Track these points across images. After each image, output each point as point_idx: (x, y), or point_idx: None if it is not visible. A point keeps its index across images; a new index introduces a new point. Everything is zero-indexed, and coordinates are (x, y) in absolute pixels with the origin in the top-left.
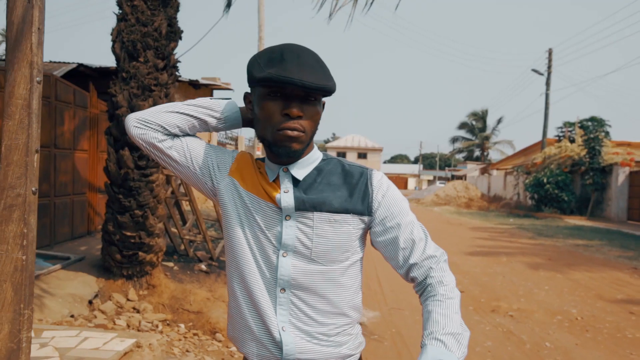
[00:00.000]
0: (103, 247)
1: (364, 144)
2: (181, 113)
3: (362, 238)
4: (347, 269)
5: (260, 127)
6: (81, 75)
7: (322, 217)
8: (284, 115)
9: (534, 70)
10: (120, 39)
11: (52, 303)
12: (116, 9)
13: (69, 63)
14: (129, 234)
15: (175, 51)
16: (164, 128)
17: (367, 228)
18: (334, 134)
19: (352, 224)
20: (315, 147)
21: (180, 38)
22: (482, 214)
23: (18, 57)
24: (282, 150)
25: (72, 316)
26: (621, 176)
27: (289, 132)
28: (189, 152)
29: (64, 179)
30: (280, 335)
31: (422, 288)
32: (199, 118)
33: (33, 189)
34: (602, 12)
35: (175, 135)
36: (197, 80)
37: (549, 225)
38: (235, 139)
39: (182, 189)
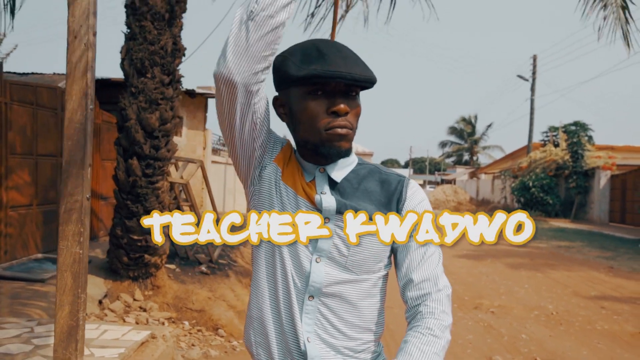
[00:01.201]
0: (110, 250)
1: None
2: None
3: (392, 249)
4: (377, 281)
5: (303, 130)
6: None
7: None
8: (332, 114)
9: (519, 77)
10: (129, 57)
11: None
12: (124, 28)
13: None
14: (136, 237)
15: (179, 67)
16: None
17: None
18: None
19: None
20: (353, 151)
21: (184, 55)
22: None
23: (75, 89)
24: (333, 151)
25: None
26: (603, 179)
27: (340, 131)
28: (267, 112)
29: None
30: (305, 346)
31: (411, 315)
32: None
33: (87, 196)
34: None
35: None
36: (193, 90)
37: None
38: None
39: (183, 195)
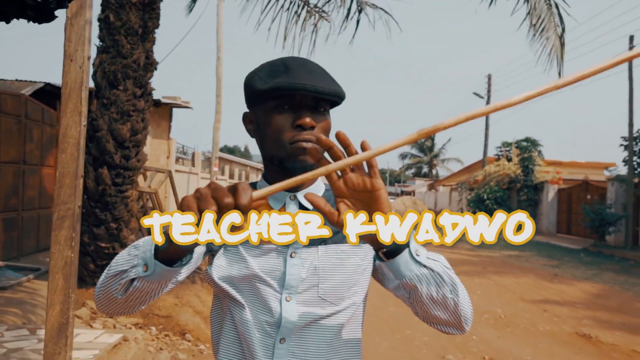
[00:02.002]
0: None
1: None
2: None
3: (366, 272)
4: (355, 310)
5: (269, 145)
6: (47, 93)
7: (328, 249)
8: (296, 127)
9: (475, 94)
10: (102, 69)
11: (31, 309)
12: (97, 41)
13: (35, 82)
14: (103, 245)
15: (150, 80)
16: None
17: (372, 259)
18: None
19: (359, 255)
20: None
21: (156, 69)
22: None
23: (70, 107)
24: (297, 165)
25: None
26: (551, 193)
27: (304, 144)
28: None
29: (31, 193)
30: None
31: None
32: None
33: (79, 204)
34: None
35: None
36: (158, 99)
37: None
38: (192, 155)
39: (149, 204)
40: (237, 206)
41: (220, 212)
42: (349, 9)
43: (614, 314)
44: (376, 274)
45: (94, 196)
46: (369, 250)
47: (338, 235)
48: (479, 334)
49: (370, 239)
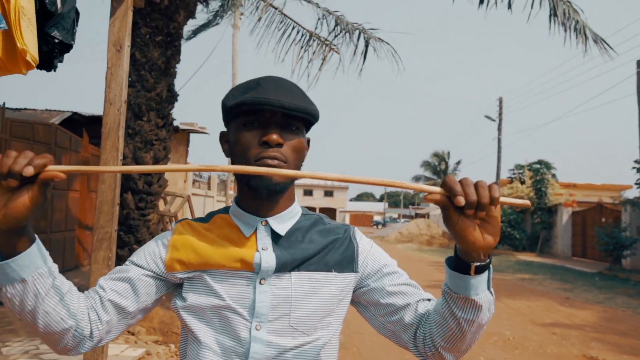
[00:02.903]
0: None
1: (330, 182)
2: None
3: (343, 302)
4: (328, 341)
5: (237, 162)
6: (74, 122)
7: (301, 276)
8: (263, 144)
9: (487, 117)
10: (128, 102)
11: None
12: None
13: (64, 111)
14: None
15: (172, 111)
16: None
17: (351, 289)
18: None
19: (334, 284)
20: (296, 202)
21: (177, 100)
22: (442, 251)
23: (109, 144)
24: (261, 184)
25: None
26: (565, 216)
27: (269, 162)
28: (125, 293)
29: (58, 216)
30: None
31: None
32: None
33: (115, 228)
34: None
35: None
36: (177, 126)
37: (502, 261)
38: (208, 179)
39: (169, 227)
40: (11, 172)
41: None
42: (357, 45)
43: (623, 338)
44: (363, 305)
45: (118, 220)
46: (346, 280)
47: (311, 263)
48: (487, 355)
49: (475, 247)
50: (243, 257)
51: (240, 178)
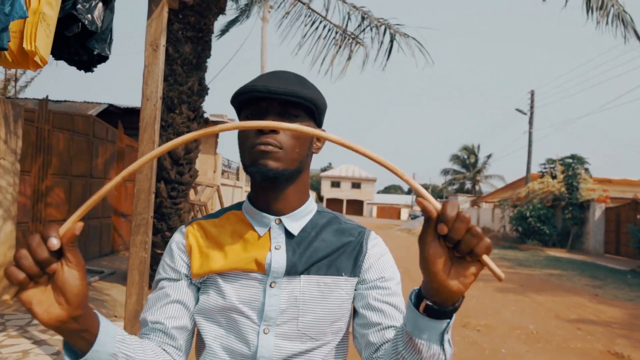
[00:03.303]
0: None
1: (358, 174)
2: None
3: (350, 305)
4: (337, 345)
5: (241, 155)
6: (110, 113)
7: (310, 280)
8: (258, 133)
9: (518, 110)
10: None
11: (98, 305)
12: None
13: (100, 103)
14: (159, 251)
15: (202, 104)
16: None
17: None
18: (329, 164)
19: (344, 289)
20: (311, 198)
21: (207, 94)
22: None
23: (146, 137)
24: (255, 169)
25: (115, 316)
26: (598, 211)
27: (261, 147)
28: (178, 308)
29: (96, 204)
30: None
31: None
32: None
33: (151, 215)
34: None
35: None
36: (207, 118)
37: (530, 256)
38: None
39: (200, 215)
40: (39, 262)
41: (34, 279)
42: (382, 40)
43: None
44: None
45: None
46: (353, 283)
47: (321, 265)
48: (509, 347)
49: (435, 281)
50: (255, 257)
51: (244, 168)
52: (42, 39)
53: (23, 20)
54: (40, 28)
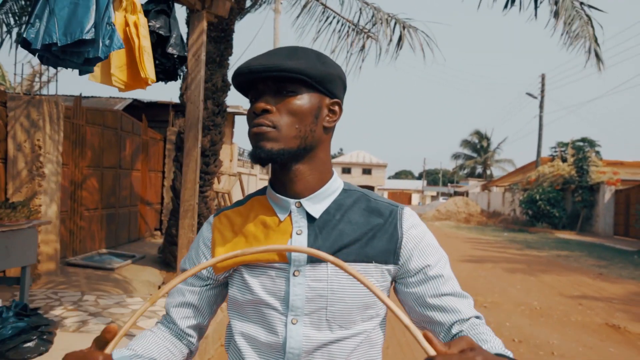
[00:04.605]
0: (164, 246)
1: (368, 159)
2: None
3: (387, 291)
4: (369, 335)
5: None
6: (134, 107)
7: (338, 268)
8: (253, 116)
9: (528, 94)
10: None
11: (136, 285)
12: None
13: (125, 98)
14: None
15: (225, 99)
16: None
17: (390, 278)
18: (341, 149)
19: (374, 276)
20: (335, 175)
21: (229, 89)
22: (479, 229)
23: (191, 135)
24: (252, 153)
25: (150, 294)
26: (608, 194)
27: (255, 129)
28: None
29: (124, 193)
30: None
31: (467, 334)
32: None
33: (196, 201)
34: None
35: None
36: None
37: (540, 238)
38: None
39: (223, 202)
40: None
41: None
42: (392, 34)
43: None
44: (398, 296)
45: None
46: (386, 271)
47: (349, 252)
48: (513, 321)
49: None
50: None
51: None
52: (148, 66)
53: (128, 55)
54: (145, 58)
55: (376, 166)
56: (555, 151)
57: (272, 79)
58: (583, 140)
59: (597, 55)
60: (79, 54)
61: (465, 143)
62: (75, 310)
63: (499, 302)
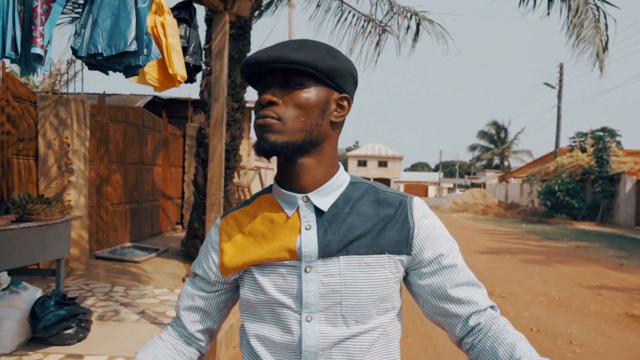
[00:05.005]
0: (187, 239)
1: (384, 152)
2: None
3: (398, 284)
4: (386, 328)
5: None
6: (153, 104)
7: (350, 261)
8: (259, 106)
9: (546, 84)
10: (208, 89)
11: (161, 277)
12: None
13: (145, 95)
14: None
15: (244, 96)
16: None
17: (403, 269)
18: (356, 142)
19: (388, 267)
20: (342, 169)
21: (248, 85)
22: (497, 220)
23: (216, 132)
24: (256, 144)
25: (175, 286)
26: (629, 184)
27: (260, 121)
28: (204, 300)
29: (147, 188)
30: None
31: (487, 328)
32: None
33: (222, 195)
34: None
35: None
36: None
37: (559, 230)
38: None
39: (243, 196)
40: None
41: None
42: (408, 27)
43: None
44: (411, 288)
45: (202, 190)
46: (399, 262)
47: (361, 244)
48: (531, 311)
49: None
50: (286, 244)
51: None
52: (177, 63)
53: (162, 53)
54: (173, 55)
55: (392, 159)
56: (574, 141)
57: (280, 71)
58: (603, 130)
59: (600, 61)
60: (120, 62)
61: (482, 134)
62: (107, 300)
63: (517, 292)
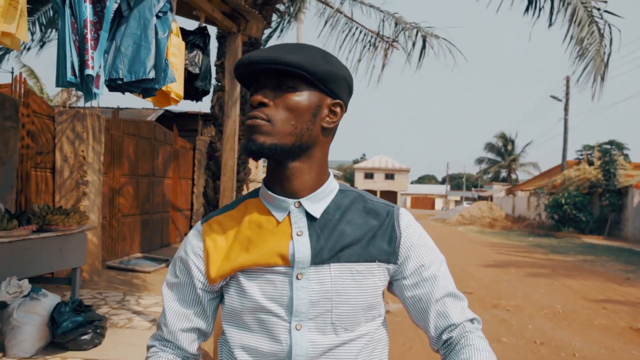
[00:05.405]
0: None
1: (391, 164)
2: None
3: (383, 290)
4: (375, 333)
5: None
6: (165, 118)
7: (341, 268)
8: (250, 107)
9: (553, 97)
10: (219, 103)
11: None
12: (214, 81)
13: (157, 109)
14: None
15: None
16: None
17: (388, 277)
18: (363, 154)
19: (377, 275)
20: (332, 177)
21: None
22: (503, 233)
23: (228, 147)
24: (244, 145)
25: None
26: (636, 198)
27: (249, 122)
28: (190, 308)
29: (157, 200)
30: None
31: (455, 342)
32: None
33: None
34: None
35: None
36: None
37: (566, 243)
38: None
39: None
40: None
41: None
42: (415, 42)
43: None
44: (395, 294)
45: (212, 202)
46: (387, 270)
47: (352, 252)
48: (535, 324)
49: None
50: (277, 249)
51: None
52: (175, 82)
53: None
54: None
55: (399, 171)
56: (582, 154)
57: (273, 72)
58: (610, 142)
59: (601, 79)
60: (138, 87)
61: (490, 147)
62: (120, 308)
63: (522, 305)
